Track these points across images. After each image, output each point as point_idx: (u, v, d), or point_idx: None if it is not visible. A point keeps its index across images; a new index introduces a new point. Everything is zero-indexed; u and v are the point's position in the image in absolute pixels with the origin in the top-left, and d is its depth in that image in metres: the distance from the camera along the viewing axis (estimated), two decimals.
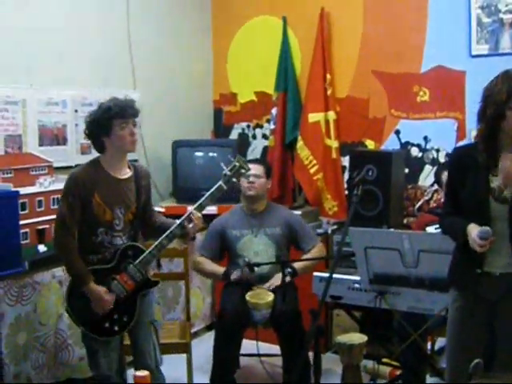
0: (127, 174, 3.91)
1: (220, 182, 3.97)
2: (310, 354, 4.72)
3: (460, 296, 3.44)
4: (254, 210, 4.93)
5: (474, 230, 3.24)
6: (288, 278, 4.57)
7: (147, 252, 3.84)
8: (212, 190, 3.96)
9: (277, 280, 4.67)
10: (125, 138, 3.80)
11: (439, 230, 4.47)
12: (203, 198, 3.93)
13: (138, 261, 3.83)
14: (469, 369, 2.86)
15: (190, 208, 3.92)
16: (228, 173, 3.99)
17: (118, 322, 3.85)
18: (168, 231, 3.85)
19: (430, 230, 4.62)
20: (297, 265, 4.74)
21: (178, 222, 3.88)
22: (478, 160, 3.30)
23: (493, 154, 3.28)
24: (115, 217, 3.82)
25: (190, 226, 3.86)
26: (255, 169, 4.87)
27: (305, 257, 4.83)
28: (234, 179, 4.01)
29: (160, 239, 3.86)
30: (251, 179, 4.85)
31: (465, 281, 3.41)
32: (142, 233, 4.05)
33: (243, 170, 4.05)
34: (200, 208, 3.91)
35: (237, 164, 4.02)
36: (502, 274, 3.30)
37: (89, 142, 5.18)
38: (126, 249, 3.84)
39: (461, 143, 5.51)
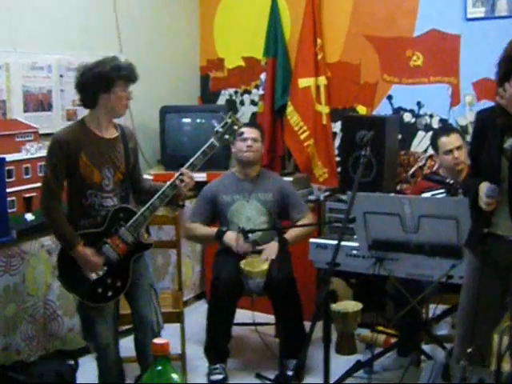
0: (114, 134, 3.79)
1: (212, 139, 3.81)
2: (305, 323, 4.69)
3: (473, 258, 3.42)
4: (248, 174, 4.83)
5: (482, 188, 3.20)
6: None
7: (139, 214, 3.72)
8: (204, 147, 3.81)
9: (272, 252, 4.59)
10: (122, 100, 3.70)
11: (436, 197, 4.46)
12: (195, 157, 3.79)
13: (129, 223, 3.72)
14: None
15: (181, 168, 3.79)
16: (220, 129, 3.83)
17: (111, 287, 3.74)
18: (160, 191, 3.73)
19: (426, 195, 4.55)
20: (288, 235, 4.66)
21: (169, 182, 3.76)
22: (496, 122, 3.24)
23: (510, 115, 3.20)
24: (104, 177, 3.70)
25: (183, 185, 3.74)
26: (253, 132, 4.79)
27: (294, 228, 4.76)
28: (227, 136, 3.84)
29: (152, 200, 3.73)
30: (249, 143, 4.75)
31: (473, 240, 3.40)
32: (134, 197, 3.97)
33: (236, 127, 3.88)
34: (192, 167, 3.78)
35: (229, 120, 3.85)
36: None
37: (75, 108, 5.21)
38: (117, 211, 3.72)
39: (454, 109, 5.45)
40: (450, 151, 4.54)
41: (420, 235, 3.82)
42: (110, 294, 3.75)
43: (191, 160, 3.79)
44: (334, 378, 4.38)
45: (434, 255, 3.87)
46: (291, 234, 4.70)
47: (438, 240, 3.79)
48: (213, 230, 4.77)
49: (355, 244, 4.14)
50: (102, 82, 3.62)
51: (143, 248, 3.83)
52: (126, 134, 3.84)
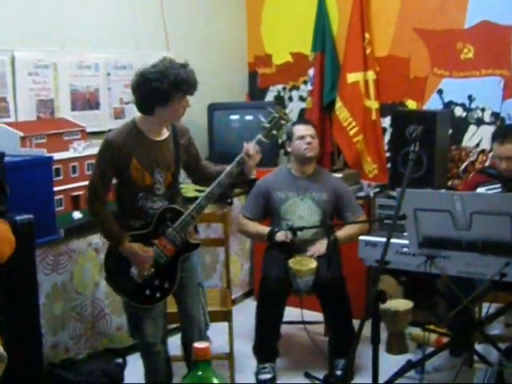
0: (165, 134, 3.70)
1: (259, 136, 3.71)
2: (355, 321, 4.62)
3: None
4: (304, 172, 4.77)
5: None
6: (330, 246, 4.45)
7: (186, 214, 3.65)
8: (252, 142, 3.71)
9: (321, 247, 4.53)
10: (179, 111, 3.60)
11: (491, 192, 4.34)
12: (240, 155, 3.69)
13: (176, 224, 3.64)
14: None
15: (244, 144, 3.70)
16: (267, 125, 3.72)
17: (159, 288, 3.68)
18: (207, 191, 3.65)
19: (481, 190, 4.44)
20: (339, 233, 4.59)
21: (234, 161, 3.68)
22: None
23: None
24: (155, 181, 3.63)
25: (249, 160, 3.63)
26: (309, 129, 4.77)
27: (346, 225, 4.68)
28: (274, 132, 3.73)
29: (198, 200, 3.66)
30: (308, 140, 4.69)
31: None
32: (193, 181, 4.00)
33: (283, 122, 3.75)
34: (238, 165, 3.67)
35: (276, 115, 3.72)
36: None
37: (122, 106, 5.21)
38: (163, 212, 3.65)
39: (507, 101, 5.32)
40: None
41: (472, 232, 3.72)
42: (157, 295, 3.69)
43: (238, 157, 3.69)
44: (384, 377, 4.30)
45: (487, 253, 3.76)
46: (342, 233, 4.62)
47: (491, 237, 3.69)
48: (264, 229, 4.71)
49: (405, 241, 4.06)
50: (159, 97, 3.48)
51: (191, 248, 3.76)
52: (177, 132, 3.74)
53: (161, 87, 3.44)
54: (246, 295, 5.97)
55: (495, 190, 4.39)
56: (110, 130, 5.10)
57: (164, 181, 3.66)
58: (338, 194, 4.75)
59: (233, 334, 4.45)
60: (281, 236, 4.55)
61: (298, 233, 4.36)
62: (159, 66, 3.51)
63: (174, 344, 4.13)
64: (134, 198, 3.63)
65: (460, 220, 3.71)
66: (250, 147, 3.65)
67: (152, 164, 3.61)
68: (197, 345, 1.60)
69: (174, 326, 4.28)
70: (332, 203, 4.73)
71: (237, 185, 4.68)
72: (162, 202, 3.67)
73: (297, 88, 6.40)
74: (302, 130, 4.72)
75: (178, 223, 3.65)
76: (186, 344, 3.91)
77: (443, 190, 4.44)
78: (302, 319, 4.33)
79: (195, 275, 3.86)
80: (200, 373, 1.60)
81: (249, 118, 5.90)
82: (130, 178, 3.58)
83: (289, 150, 4.81)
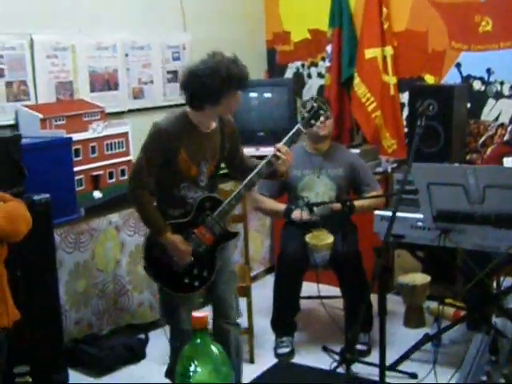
0: (213, 125, 3.63)
1: (298, 125, 3.68)
2: (372, 296, 4.66)
3: None
4: (319, 149, 4.77)
5: None
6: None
7: (225, 202, 3.60)
8: (290, 134, 3.67)
9: (336, 206, 4.58)
10: (232, 107, 3.56)
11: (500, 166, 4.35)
12: (283, 141, 3.64)
13: (216, 212, 3.59)
14: None
15: (276, 144, 3.64)
16: (306, 115, 3.71)
17: (198, 277, 3.64)
18: (254, 171, 3.60)
19: (508, 160, 4.44)
20: (357, 202, 4.60)
21: (265, 160, 3.63)
22: None
23: None
24: (200, 173, 3.58)
25: (279, 162, 3.58)
26: None
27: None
28: (313, 121, 3.71)
29: (238, 189, 3.62)
30: (322, 119, 4.69)
31: None
32: (231, 173, 3.97)
33: (322, 111, 3.73)
34: (268, 165, 3.60)
35: (315, 105, 3.70)
36: None
37: (141, 86, 5.27)
38: (203, 201, 3.60)
39: None
40: None
41: (486, 206, 3.74)
42: (196, 283, 3.64)
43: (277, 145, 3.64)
44: (401, 350, 4.38)
45: (501, 226, 3.77)
46: (359, 202, 4.62)
47: (505, 210, 3.70)
48: (281, 206, 4.74)
49: (420, 216, 4.08)
50: (210, 95, 3.41)
51: (229, 236, 3.72)
52: (223, 122, 3.68)
53: (211, 85, 3.37)
54: (267, 271, 6.02)
55: None
56: (129, 110, 5.24)
57: (207, 171, 3.62)
58: (354, 168, 4.76)
59: (252, 310, 4.52)
60: (297, 214, 4.58)
61: (315, 209, 4.41)
62: (209, 62, 3.42)
63: None
64: (176, 187, 3.57)
65: (473, 194, 3.72)
66: (281, 147, 3.60)
67: (199, 156, 3.56)
68: (195, 314, 1.66)
69: None
70: (348, 178, 4.75)
71: None
72: (202, 192, 3.62)
73: (315, 65, 6.40)
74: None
75: (218, 212, 3.60)
76: (216, 328, 3.83)
77: (456, 164, 4.44)
78: (318, 294, 4.39)
79: (230, 263, 3.86)
80: (198, 341, 1.66)
81: (267, 95, 5.92)
82: (177, 168, 3.52)
83: None
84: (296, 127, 3.69)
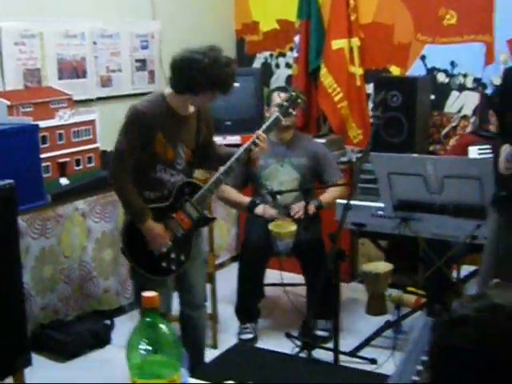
0: (191, 109, 3.67)
1: (277, 114, 3.77)
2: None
3: (498, 217, 3.46)
4: (282, 138, 4.81)
5: (503, 151, 3.22)
6: (312, 208, 4.53)
7: (204, 188, 3.67)
8: (269, 122, 3.77)
9: (299, 208, 4.58)
10: (206, 103, 3.65)
11: (482, 151, 4.45)
12: (263, 128, 3.73)
13: (195, 198, 3.66)
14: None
15: (256, 131, 3.72)
16: (285, 103, 3.80)
17: (175, 260, 3.71)
18: (225, 166, 3.66)
19: (473, 149, 4.55)
20: (323, 198, 4.67)
21: (243, 146, 3.71)
22: None
23: None
24: (177, 156, 3.63)
25: (257, 149, 3.66)
26: None
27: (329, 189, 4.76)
28: (291, 110, 3.81)
29: (217, 175, 3.68)
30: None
31: (496, 201, 3.44)
32: (199, 165, 3.95)
33: (300, 100, 3.84)
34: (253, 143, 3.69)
35: (293, 94, 3.83)
36: None
37: (109, 74, 5.31)
38: (182, 186, 3.66)
39: (488, 67, 5.38)
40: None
41: (444, 196, 3.84)
42: (173, 267, 3.71)
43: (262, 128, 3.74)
44: (363, 337, 4.47)
45: (459, 216, 3.88)
46: (326, 197, 4.68)
47: (462, 200, 3.81)
48: (245, 199, 4.78)
49: (381, 205, 4.17)
50: (193, 87, 3.47)
51: (207, 222, 3.84)
52: (201, 108, 3.72)
53: (199, 80, 3.43)
54: (233, 259, 6.06)
55: (487, 151, 4.47)
56: (97, 98, 5.27)
57: (185, 156, 3.67)
58: (317, 158, 4.80)
59: (216, 296, 4.59)
60: (260, 209, 4.63)
61: (278, 197, 4.48)
62: (205, 59, 3.44)
63: None
64: (152, 169, 3.60)
65: (432, 183, 3.82)
66: (260, 134, 3.68)
67: (176, 139, 3.61)
68: (145, 294, 1.72)
69: None
70: (311, 167, 4.79)
71: None
72: (179, 177, 3.67)
73: (283, 55, 6.46)
74: (280, 97, 4.77)
75: (197, 197, 3.66)
76: (183, 313, 3.96)
77: (415, 155, 4.52)
78: (282, 281, 4.46)
79: (202, 250, 3.97)
80: (148, 319, 1.73)
81: (235, 84, 5.94)
82: (153, 150, 3.55)
83: (267, 115, 4.86)
84: (274, 115, 3.78)
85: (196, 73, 3.41)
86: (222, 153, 3.86)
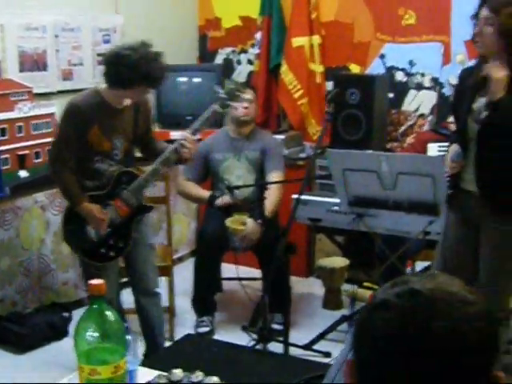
0: (126, 102, 3.80)
1: (215, 106, 3.86)
2: (295, 278, 4.81)
3: (452, 214, 3.52)
4: (240, 133, 4.86)
5: (450, 152, 3.30)
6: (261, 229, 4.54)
7: (141, 177, 3.82)
8: (206, 113, 3.86)
9: (253, 235, 4.53)
10: (136, 97, 3.76)
11: (441, 149, 4.53)
12: (197, 122, 3.85)
13: (131, 186, 3.81)
14: None
15: (183, 133, 3.85)
16: (223, 95, 3.89)
17: (113, 247, 3.85)
18: (162, 156, 3.80)
19: (433, 146, 4.64)
20: (267, 211, 4.48)
21: (171, 147, 3.81)
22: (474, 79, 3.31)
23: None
24: (114, 147, 3.77)
25: (185, 150, 3.78)
26: (248, 93, 4.84)
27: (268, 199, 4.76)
28: (229, 102, 3.93)
29: (154, 165, 3.82)
30: (246, 104, 4.78)
31: (447, 199, 3.53)
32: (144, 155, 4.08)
33: (238, 93, 3.95)
34: (194, 132, 3.84)
35: (233, 86, 3.94)
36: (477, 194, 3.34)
37: (70, 67, 5.31)
38: (120, 175, 3.81)
39: (446, 67, 5.47)
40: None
41: (398, 192, 3.91)
42: (112, 253, 3.86)
43: (193, 125, 3.84)
44: (319, 330, 4.53)
45: (412, 212, 3.95)
46: (268, 208, 4.54)
47: (415, 197, 3.88)
48: (205, 193, 4.82)
49: (337, 200, 4.24)
50: (121, 82, 3.61)
51: (145, 210, 3.95)
52: (139, 101, 3.85)
53: (127, 75, 3.56)
54: (193, 254, 6.09)
55: (446, 148, 4.55)
56: (58, 92, 5.27)
57: (122, 147, 3.81)
58: (266, 149, 4.82)
59: (174, 289, 4.64)
60: (221, 202, 4.68)
61: (236, 192, 4.53)
62: (133, 54, 3.57)
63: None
64: (90, 160, 3.75)
65: (386, 180, 3.89)
66: (187, 137, 3.79)
67: (112, 131, 3.75)
68: (92, 281, 1.77)
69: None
70: (262, 160, 4.83)
71: None
72: (117, 167, 3.81)
73: (245, 51, 6.49)
74: (248, 93, 4.81)
75: (133, 186, 3.81)
76: (138, 302, 4.08)
77: (370, 151, 4.60)
78: (237, 275, 4.51)
79: (147, 236, 4.05)
80: (95, 306, 1.79)
81: (197, 80, 6.01)
82: (89, 142, 3.70)
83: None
84: (211, 107, 3.86)
85: (124, 68, 3.56)
86: (157, 148, 3.99)
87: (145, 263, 4.01)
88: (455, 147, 3.32)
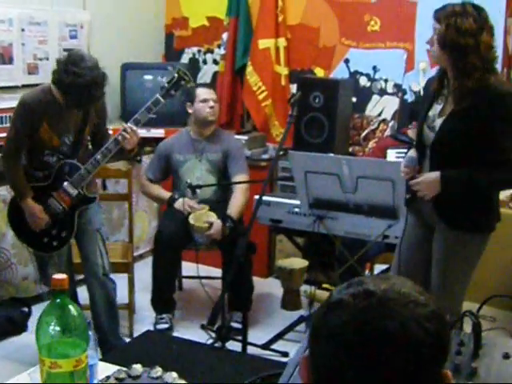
0: None
1: (157, 95, 3.94)
2: (255, 279, 4.85)
3: (410, 217, 3.54)
4: (202, 134, 4.89)
5: (406, 157, 3.36)
6: (226, 231, 4.50)
7: (82, 168, 3.89)
8: (148, 103, 3.95)
9: (217, 231, 4.56)
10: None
11: (399, 155, 4.60)
12: (139, 112, 3.94)
13: (73, 177, 3.89)
14: None
15: (125, 124, 3.95)
16: (166, 85, 3.94)
17: (56, 237, 3.95)
18: (103, 147, 3.89)
19: (391, 152, 4.71)
20: (233, 213, 4.59)
21: (112, 138, 3.93)
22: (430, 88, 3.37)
23: (442, 81, 3.32)
24: (62, 143, 3.88)
25: (126, 141, 3.88)
26: (212, 93, 4.90)
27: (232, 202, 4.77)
28: (173, 92, 3.97)
29: (95, 155, 3.89)
30: (211, 104, 4.81)
31: (405, 203, 3.55)
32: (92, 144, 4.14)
33: (183, 82, 3.98)
34: (136, 122, 3.92)
35: (176, 75, 3.95)
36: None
37: (36, 61, 5.31)
38: (62, 166, 3.90)
39: (408, 74, 5.55)
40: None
41: (358, 195, 3.97)
42: (55, 243, 3.96)
43: (135, 116, 3.91)
44: (277, 330, 4.58)
45: (372, 215, 4.02)
46: (233, 210, 4.64)
47: (375, 201, 3.95)
48: (166, 194, 4.88)
49: (298, 202, 4.29)
50: (60, 87, 3.73)
51: (88, 201, 4.01)
52: None
53: (62, 81, 3.70)
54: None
55: (404, 154, 4.61)
56: (23, 86, 5.25)
57: (70, 143, 3.91)
58: (229, 151, 4.86)
59: (133, 285, 4.65)
60: (180, 204, 4.70)
61: (198, 191, 4.55)
62: (63, 65, 3.70)
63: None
64: (41, 153, 3.88)
65: (347, 183, 3.95)
66: (127, 127, 3.89)
67: (61, 128, 3.85)
68: (55, 276, 1.79)
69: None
70: (223, 163, 4.87)
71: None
72: (66, 160, 3.92)
73: (211, 51, 6.50)
74: (205, 93, 4.85)
75: (75, 177, 3.90)
76: (88, 284, 4.16)
77: (331, 154, 4.65)
78: (198, 274, 4.55)
79: (94, 221, 4.11)
80: (58, 300, 1.82)
81: (162, 78, 5.99)
82: (39, 137, 3.82)
83: (190, 111, 4.91)
84: (154, 97, 3.94)
85: (59, 77, 3.71)
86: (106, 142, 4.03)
87: (88, 247, 4.07)
88: (411, 153, 3.37)
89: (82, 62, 3.66)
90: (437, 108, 3.30)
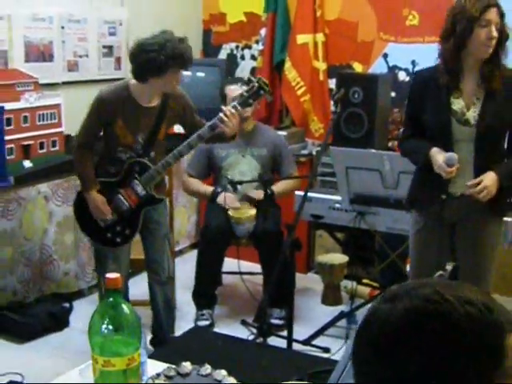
0: (155, 102, 3.86)
1: (234, 103, 3.82)
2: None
3: (421, 218, 3.47)
4: (243, 129, 4.84)
5: (438, 156, 3.23)
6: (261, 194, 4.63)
7: (152, 169, 3.87)
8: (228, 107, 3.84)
9: (258, 194, 4.70)
10: (172, 83, 3.78)
11: None
12: (214, 119, 3.80)
13: (142, 177, 3.88)
14: None
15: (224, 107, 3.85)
16: (245, 94, 3.83)
17: (120, 234, 3.96)
18: (175, 150, 3.83)
19: None
20: (276, 188, 4.76)
21: (199, 131, 3.81)
22: (439, 82, 3.30)
23: (455, 74, 3.28)
24: (136, 141, 3.87)
25: (225, 124, 3.74)
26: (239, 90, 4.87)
27: (283, 180, 4.87)
28: (251, 100, 3.83)
29: (167, 158, 3.86)
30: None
31: (428, 204, 3.41)
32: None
33: (262, 92, 3.82)
34: (210, 130, 3.80)
35: (256, 84, 3.79)
36: (462, 195, 3.31)
37: (76, 59, 5.35)
38: (132, 164, 3.89)
39: None
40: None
41: (399, 191, 3.96)
42: (118, 240, 3.97)
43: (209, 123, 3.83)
44: (318, 326, 4.57)
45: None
46: (278, 185, 4.79)
47: None
48: (208, 189, 4.87)
49: (339, 198, 4.28)
50: (155, 67, 3.63)
51: (154, 201, 3.99)
52: (167, 102, 3.88)
53: (158, 58, 3.59)
54: (193, 246, 6.14)
55: None
56: (63, 83, 5.30)
57: (144, 142, 3.88)
58: (277, 149, 4.89)
59: (175, 282, 4.66)
60: (222, 199, 4.71)
61: (239, 187, 4.57)
62: (158, 38, 3.66)
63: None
64: (114, 149, 3.89)
65: (389, 179, 3.94)
66: (227, 112, 3.77)
67: (135, 126, 3.84)
68: (108, 275, 1.80)
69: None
70: (271, 158, 4.89)
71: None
72: (137, 158, 3.91)
73: (249, 47, 6.52)
74: (235, 90, 4.78)
75: (144, 176, 3.88)
76: (150, 289, 4.21)
77: (373, 150, 4.64)
78: (239, 270, 4.55)
79: (163, 225, 4.14)
80: (111, 299, 1.82)
81: (200, 74, 6.02)
82: (114, 133, 3.84)
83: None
84: (232, 104, 3.84)
85: (153, 54, 3.60)
86: None
87: (157, 253, 4.11)
88: (439, 150, 3.27)
89: (152, 39, 3.65)
90: (459, 102, 3.26)
